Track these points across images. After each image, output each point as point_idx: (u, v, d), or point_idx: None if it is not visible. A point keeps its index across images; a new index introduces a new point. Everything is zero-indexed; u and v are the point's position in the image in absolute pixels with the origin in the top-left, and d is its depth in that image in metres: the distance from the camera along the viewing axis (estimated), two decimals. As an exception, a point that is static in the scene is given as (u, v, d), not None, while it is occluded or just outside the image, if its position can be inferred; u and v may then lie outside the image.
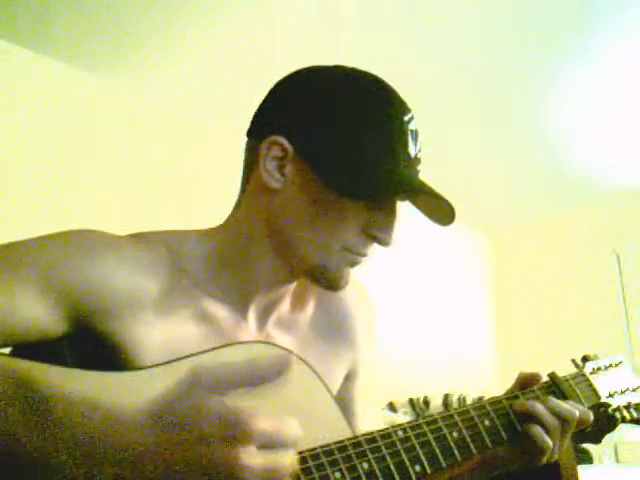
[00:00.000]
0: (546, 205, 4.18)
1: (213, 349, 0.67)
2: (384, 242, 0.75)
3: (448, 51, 2.52)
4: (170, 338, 0.69)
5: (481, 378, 4.05)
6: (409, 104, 0.77)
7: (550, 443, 0.72)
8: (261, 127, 0.76)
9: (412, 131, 0.74)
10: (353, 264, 0.75)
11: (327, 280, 0.75)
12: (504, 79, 2.73)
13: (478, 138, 3.22)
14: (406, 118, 0.74)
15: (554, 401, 0.75)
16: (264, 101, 0.79)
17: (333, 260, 0.73)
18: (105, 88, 2.66)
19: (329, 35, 2.40)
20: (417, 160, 0.75)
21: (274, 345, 0.71)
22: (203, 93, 2.77)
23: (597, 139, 3.29)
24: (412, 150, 0.74)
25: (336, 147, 0.71)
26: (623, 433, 3.18)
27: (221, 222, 0.82)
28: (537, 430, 0.72)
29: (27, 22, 2.26)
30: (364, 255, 0.75)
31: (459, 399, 3.40)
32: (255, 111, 0.80)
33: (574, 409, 0.75)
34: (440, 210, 0.75)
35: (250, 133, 0.79)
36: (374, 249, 0.76)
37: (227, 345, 0.69)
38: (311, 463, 0.61)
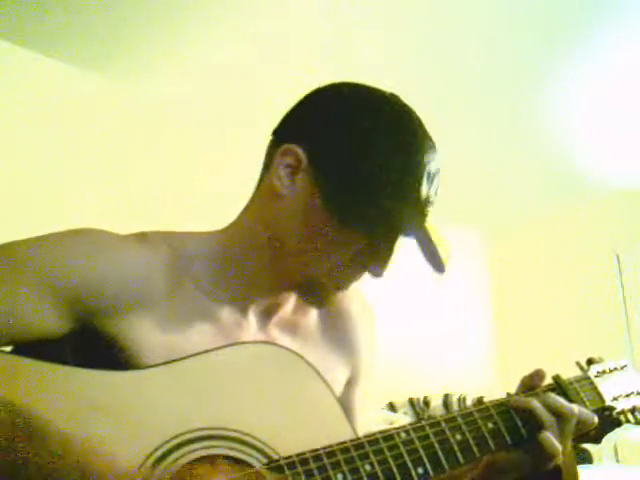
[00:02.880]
0: (546, 205, 4.17)
1: (217, 348, 0.67)
2: (375, 274, 0.74)
3: (447, 50, 2.52)
4: (171, 338, 0.69)
5: (481, 378, 4.05)
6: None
7: (560, 448, 0.70)
8: (283, 132, 0.77)
9: (429, 172, 0.73)
10: (339, 289, 0.75)
11: (311, 298, 0.75)
12: (503, 77, 2.73)
13: (477, 137, 3.22)
14: (426, 158, 0.73)
15: (551, 397, 0.74)
16: (295, 107, 0.79)
17: (320, 279, 0.73)
18: (105, 88, 2.65)
19: (329, 41, 2.39)
20: (428, 202, 0.74)
21: (278, 345, 0.71)
22: (203, 93, 2.77)
23: (597, 139, 3.29)
24: (424, 190, 0.73)
25: (346, 173, 0.71)
26: (623, 433, 3.18)
27: (219, 223, 0.82)
28: (545, 436, 0.70)
29: (27, 22, 2.26)
30: (351, 282, 0.75)
31: (459, 399, 3.39)
32: (285, 114, 0.80)
33: (572, 405, 0.74)
34: (436, 256, 0.73)
35: (275, 133, 0.79)
36: (363, 278, 0.75)
37: (231, 345, 0.69)
38: (313, 465, 0.61)
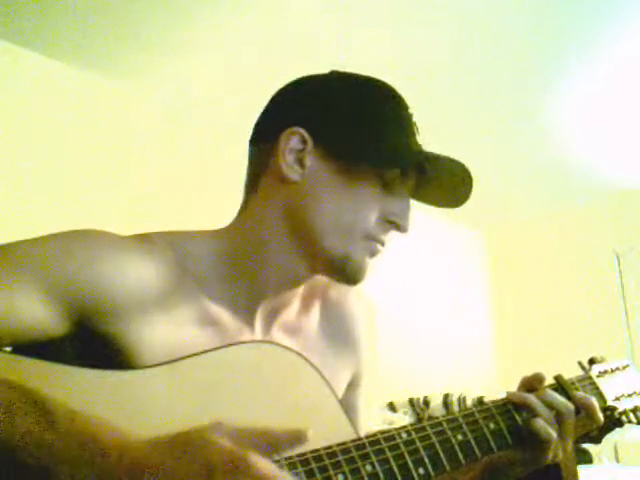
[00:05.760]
0: (545, 204, 4.18)
1: (218, 348, 0.67)
2: (402, 228, 0.77)
3: (448, 50, 2.52)
4: (173, 340, 0.69)
5: (481, 378, 4.05)
6: (409, 103, 0.80)
7: (553, 433, 0.71)
8: (272, 126, 0.77)
9: (415, 124, 0.79)
10: (373, 254, 0.76)
11: (349, 271, 0.75)
12: (505, 77, 2.73)
13: (477, 136, 3.22)
14: (410, 111, 0.78)
15: (548, 393, 0.75)
16: (269, 105, 0.80)
17: (356, 249, 0.74)
18: (105, 88, 2.65)
19: (330, 41, 2.39)
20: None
21: (280, 345, 0.71)
22: (204, 93, 2.77)
23: (597, 138, 3.29)
24: (419, 140, 0.78)
25: (355, 127, 0.74)
26: (623, 433, 3.18)
27: (221, 222, 0.82)
28: (538, 422, 0.72)
29: (27, 22, 2.26)
30: (383, 243, 0.77)
31: (459, 399, 3.39)
32: (258, 119, 0.80)
33: (568, 402, 0.75)
34: (451, 189, 0.78)
35: (257, 138, 0.79)
36: (390, 238, 0.78)
37: (233, 344, 0.68)
38: (314, 465, 0.60)
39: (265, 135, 0.78)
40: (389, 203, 0.75)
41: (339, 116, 0.75)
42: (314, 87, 0.78)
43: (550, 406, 0.74)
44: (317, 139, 0.74)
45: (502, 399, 0.76)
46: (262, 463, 0.51)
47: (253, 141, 0.80)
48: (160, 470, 0.49)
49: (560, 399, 0.75)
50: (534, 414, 0.73)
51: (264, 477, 0.50)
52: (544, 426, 0.71)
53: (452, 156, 0.77)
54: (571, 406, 0.74)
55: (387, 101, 0.77)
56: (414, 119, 0.78)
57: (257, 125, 0.80)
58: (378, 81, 0.79)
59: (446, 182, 0.78)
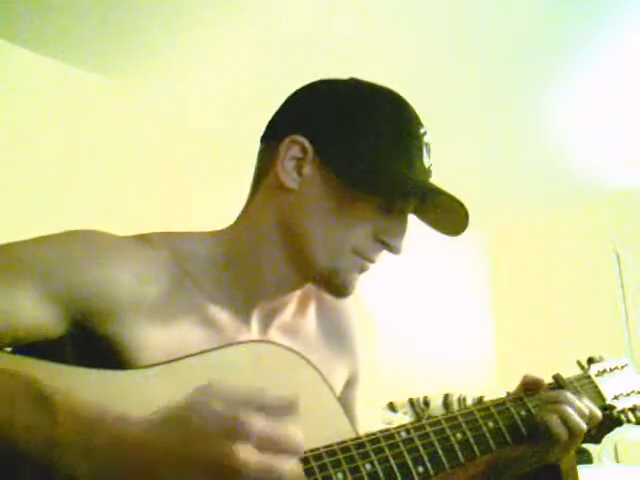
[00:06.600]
0: (546, 204, 4.17)
1: (217, 348, 0.67)
2: (395, 249, 0.76)
3: (446, 51, 2.52)
4: (171, 340, 0.69)
5: (481, 378, 4.05)
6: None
7: (565, 432, 0.71)
8: (280, 129, 0.78)
9: (426, 144, 0.77)
10: (361, 270, 0.76)
11: (335, 284, 0.75)
12: (505, 78, 2.73)
13: (477, 137, 3.22)
14: (422, 131, 0.76)
15: (567, 412, 0.73)
16: (283, 105, 0.80)
17: (343, 263, 0.74)
18: (105, 88, 2.65)
19: (330, 41, 2.39)
20: (429, 172, 0.77)
21: (278, 345, 0.71)
22: (203, 93, 2.77)
23: (597, 138, 3.29)
24: (426, 161, 0.76)
25: (356, 147, 0.73)
26: (623, 433, 3.18)
27: (222, 225, 0.82)
28: (554, 419, 0.71)
29: (27, 22, 2.26)
30: (372, 261, 0.76)
31: (459, 399, 3.39)
32: (272, 116, 0.81)
33: (595, 409, 0.75)
34: (450, 219, 0.76)
35: (266, 137, 0.80)
36: (382, 256, 0.77)
37: (231, 344, 0.68)
38: (314, 463, 0.61)
39: (271, 137, 0.78)
40: (384, 222, 0.74)
41: (341, 134, 0.74)
42: (324, 97, 0.77)
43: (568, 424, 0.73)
44: (317, 150, 0.74)
45: (501, 398, 0.76)
46: (260, 422, 0.48)
47: (263, 139, 0.81)
48: (165, 465, 0.49)
49: (578, 420, 0.73)
50: (566, 408, 0.72)
51: (265, 437, 0.48)
52: (559, 424, 0.71)
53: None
54: (598, 413, 0.74)
55: (396, 121, 0.75)
56: (425, 139, 0.76)
57: (268, 124, 0.81)
58: (393, 97, 0.77)
59: (443, 214, 0.77)
